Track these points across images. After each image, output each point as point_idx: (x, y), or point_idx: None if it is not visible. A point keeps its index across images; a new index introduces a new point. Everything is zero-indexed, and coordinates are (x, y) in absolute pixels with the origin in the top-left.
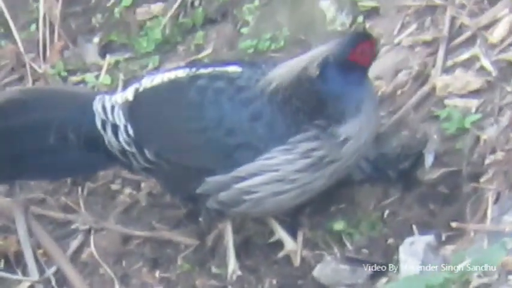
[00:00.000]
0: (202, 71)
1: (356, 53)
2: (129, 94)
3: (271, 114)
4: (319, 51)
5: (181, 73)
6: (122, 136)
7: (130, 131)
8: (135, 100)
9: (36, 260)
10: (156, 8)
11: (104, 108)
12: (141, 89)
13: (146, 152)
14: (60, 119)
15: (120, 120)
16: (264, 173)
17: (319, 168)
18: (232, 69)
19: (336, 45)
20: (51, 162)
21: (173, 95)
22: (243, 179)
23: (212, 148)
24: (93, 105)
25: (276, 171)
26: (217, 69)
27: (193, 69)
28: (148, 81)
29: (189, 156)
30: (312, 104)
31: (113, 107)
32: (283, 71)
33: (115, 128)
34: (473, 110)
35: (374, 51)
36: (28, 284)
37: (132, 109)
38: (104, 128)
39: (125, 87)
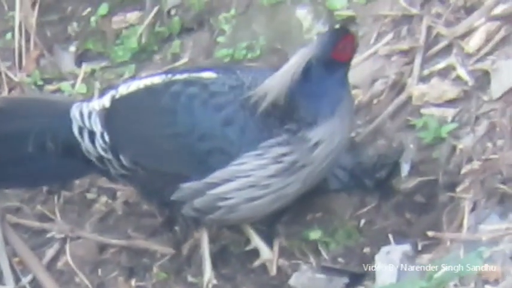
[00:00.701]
0: (178, 77)
1: (338, 50)
2: (106, 101)
3: (243, 119)
4: (303, 54)
5: (157, 80)
6: (99, 143)
7: (107, 138)
8: (111, 107)
9: (12, 269)
10: (132, 16)
11: (81, 114)
12: (117, 96)
13: (122, 158)
14: (38, 127)
15: (97, 126)
16: (237, 179)
17: (291, 173)
18: (207, 75)
19: (317, 45)
20: (29, 170)
21: (148, 101)
22: (216, 185)
23: (185, 154)
24: (70, 112)
25: (248, 176)
26: (192, 75)
27: (169, 76)
28: (124, 88)
29: (163, 162)
30: (283, 108)
31: (90, 114)
32: (274, 83)
33: (92, 135)
34: (450, 119)
35: (354, 45)
36: None
37: (108, 116)
38: (81, 135)
39: (101, 95)
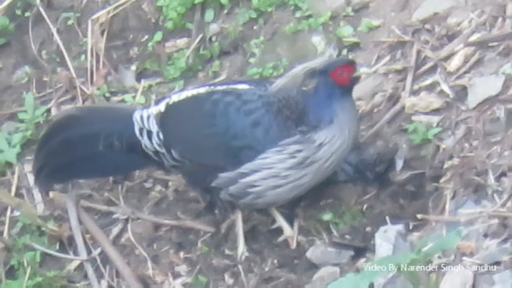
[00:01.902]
0: (218, 88)
1: (336, 73)
2: (161, 107)
3: (268, 122)
4: (311, 63)
5: (202, 90)
6: (155, 140)
7: (161, 136)
8: (165, 111)
9: (85, 243)
10: (181, 42)
11: (141, 118)
12: (170, 102)
13: (173, 152)
14: (107, 130)
15: (154, 127)
16: (262, 170)
17: (304, 167)
18: (242, 86)
19: (322, 62)
20: (101, 164)
21: (193, 107)
22: (246, 175)
23: (222, 149)
24: (132, 117)
25: (270, 168)
26: (230, 86)
27: (212, 87)
28: (176, 97)
29: (205, 156)
30: (297, 113)
31: (148, 117)
32: (286, 77)
33: (150, 134)
34: (435, 124)
35: (351, 74)
36: (78, 262)
37: (162, 118)
38: (141, 135)
39: (158, 102)
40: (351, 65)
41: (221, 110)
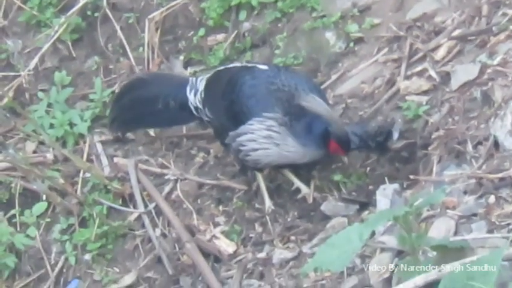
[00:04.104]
0: (247, 64)
1: (332, 144)
2: (210, 74)
3: (261, 95)
4: (331, 113)
5: (238, 64)
6: (198, 97)
7: (202, 95)
8: (210, 77)
9: (142, 199)
10: (220, 37)
11: (195, 80)
12: (215, 70)
13: (206, 110)
14: (165, 92)
15: (201, 87)
16: (248, 134)
17: (271, 142)
18: (262, 66)
19: (334, 125)
20: (159, 118)
21: (222, 76)
22: (239, 135)
23: (227, 112)
24: (186, 83)
25: (252, 133)
26: (255, 65)
27: (245, 63)
28: (223, 67)
29: (219, 116)
30: (295, 107)
31: (201, 80)
32: (316, 104)
33: (196, 92)
34: (424, 103)
35: (340, 154)
36: (137, 214)
37: (207, 81)
38: (190, 93)
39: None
40: (344, 149)
41: (234, 81)
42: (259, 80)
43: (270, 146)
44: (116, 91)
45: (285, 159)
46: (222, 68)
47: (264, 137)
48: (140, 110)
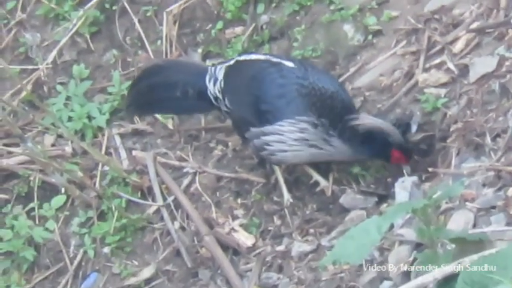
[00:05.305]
0: (271, 58)
1: (394, 154)
2: (231, 62)
3: (292, 97)
4: (387, 125)
5: (262, 57)
6: (217, 87)
7: (222, 84)
8: (231, 66)
9: (161, 192)
10: (238, 30)
11: (215, 69)
12: (239, 59)
13: (226, 100)
14: (184, 79)
15: (220, 76)
16: (276, 134)
17: (304, 144)
18: (288, 63)
19: (398, 137)
20: (177, 106)
21: (246, 68)
22: (266, 134)
23: (253, 109)
24: (206, 70)
25: (281, 135)
26: (280, 60)
27: (268, 57)
28: (244, 57)
29: (242, 110)
30: (333, 113)
31: (220, 68)
32: (374, 122)
33: (215, 81)
34: (443, 95)
35: (405, 164)
36: (156, 207)
37: (227, 70)
38: (209, 82)
39: (230, 60)
40: (408, 159)
41: (262, 76)
42: (288, 80)
43: (303, 148)
44: (135, 75)
45: (320, 158)
46: (242, 58)
47: (294, 140)
48: (158, 95)
